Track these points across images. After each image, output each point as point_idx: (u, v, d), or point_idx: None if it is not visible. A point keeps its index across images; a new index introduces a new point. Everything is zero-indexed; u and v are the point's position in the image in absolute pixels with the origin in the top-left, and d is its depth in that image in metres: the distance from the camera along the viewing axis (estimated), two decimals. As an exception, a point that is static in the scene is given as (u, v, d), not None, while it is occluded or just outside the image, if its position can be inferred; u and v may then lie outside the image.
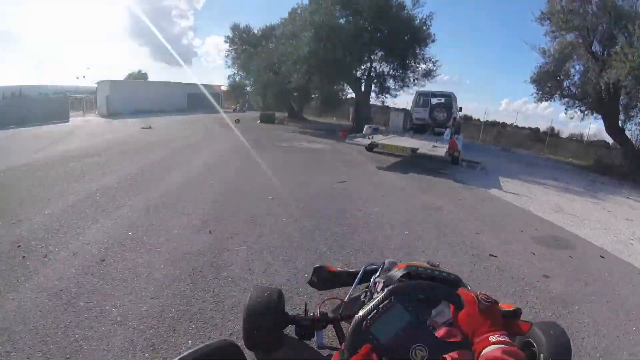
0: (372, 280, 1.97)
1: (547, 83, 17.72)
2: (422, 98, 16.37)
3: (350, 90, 22.92)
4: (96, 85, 28.10)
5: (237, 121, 20.42)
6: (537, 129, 31.03)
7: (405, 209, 5.95)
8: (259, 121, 22.10)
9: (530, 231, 5.53)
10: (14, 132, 13.62)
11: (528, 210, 6.80)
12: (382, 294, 1.13)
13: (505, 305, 1.95)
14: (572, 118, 17.91)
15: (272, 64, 21.38)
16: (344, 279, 2.71)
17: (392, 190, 7.19)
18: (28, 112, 17.17)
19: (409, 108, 16.99)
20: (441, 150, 9.65)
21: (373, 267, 2.42)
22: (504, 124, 33.06)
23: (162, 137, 12.95)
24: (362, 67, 21.07)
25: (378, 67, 21.59)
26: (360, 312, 1.12)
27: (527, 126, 32.59)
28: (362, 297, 2.15)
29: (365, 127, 13.02)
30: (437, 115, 15.46)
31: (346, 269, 2.85)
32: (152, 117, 20.96)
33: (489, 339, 0.99)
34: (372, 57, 20.64)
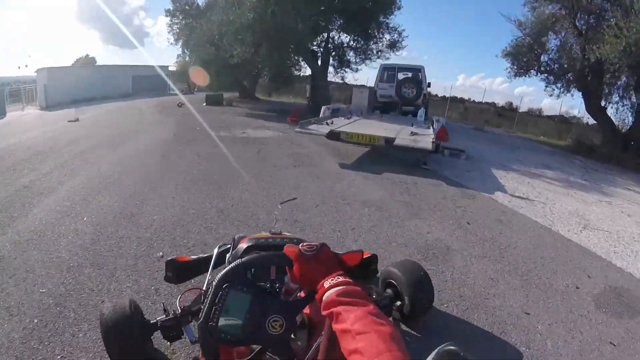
0: (227, 260, 1.91)
1: (524, 57, 16.36)
2: (388, 72, 14.36)
3: (302, 67, 20.23)
4: (36, 75, 25.36)
5: (180, 105, 17.73)
6: (494, 104, 31.46)
7: (394, 262, 3.55)
8: (204, 104, 19.31)
9: (584, 282, 3.58)
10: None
11: (557, 232, 4.83)
12: (212, 290, 1.06)
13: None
14: (551, 95, 16.76)
15: (212, 37, 18.32)
16: (200, 265, 2.53)
17: (366, 214, 4.77)
18: None
19: (370, 85, 14.87)
20: (425, 140, 7.34)
21: (227, 246, 2.24)
22: (462, 99, 33.42)
23: (81, 133, 10.20)
24: (318, 38, 18.41)
25: (337, 37, 19.04)
26: (201, 317, 1.04)
27: (484, 101, 32.43)
28: None
29: (323, 108, 10.52)
30: (405, 92, 13.53)
31: (200, 255, 2.68)
32: (90, 106, 18.58)
33: (324, 284, 0.96)
34: (329, 26, 17.97)
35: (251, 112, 16.75)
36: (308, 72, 20.37)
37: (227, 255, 1.95)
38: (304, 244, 1.09)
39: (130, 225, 3.96)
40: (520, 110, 27.77)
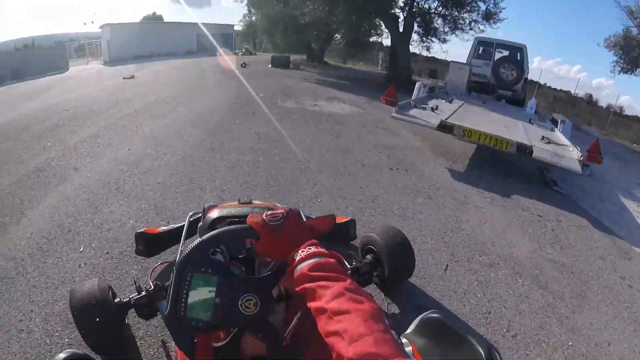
0: (198, 230, 1.69)
1: (633, 52, 13.69)
2: (483, 48, 11.70)
3: (384, 32, 17.77)
4: (100, 31, 27.09)
5: (243, 65, 16.14)
6: (569, 92, 28.39)
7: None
8: (270, 65, 17.42)
9: None
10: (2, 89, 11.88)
11: None
12: (174, 276, 0.91)
13: (339, 218, 2.71)
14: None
15: (282, -9, 16.36)
16: (172, 237, 2.42)
17: (521, 291, 2.88)
18: (24, 65, 17.23)
19: (453, 60, 12.40)
20: (570, 157, 5.12)
21: (198, 215, 2.10)
22: (538, 83, 30.28)
23: (132, 92, 9.01)
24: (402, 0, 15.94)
25: (422, 2, 16.46)
26: (167, 307, 0.90)
27: (559, 88, 30.46)
28: None
29: (418, 85, 8.35)
30: (504, 73, 10.95)
31: (171, 225, 2.57)
32: (151, 63, 18.48)
33: (295, 257, 0.88)
34: (415, -14, 15.52)
35: (321, 78, 14.64)
36: (383, 38, 18.11)
37: (199, 225, 1.66)
38: (269, 212, 0.99)
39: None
40: (599, 104, 25.49)
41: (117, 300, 1.74)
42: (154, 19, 41.33)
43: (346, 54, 19.93)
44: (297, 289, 0.83)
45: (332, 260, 0.85)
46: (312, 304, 0.78)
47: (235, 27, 34.46)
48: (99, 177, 3.82)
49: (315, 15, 14.25)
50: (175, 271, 0.91)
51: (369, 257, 2.28)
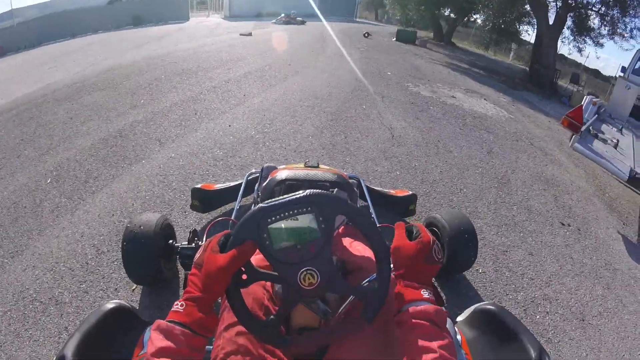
0: (255, 190, 1.84)
1: None
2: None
3: (532, 20, 15.02)
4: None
5: (367, 35, 14.90)
6: None
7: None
8: (394, 39, 16.00)
9: None
10: (119, 33, 13.16)
11: None
12: (300, 196, 0.78)
13: (400, 191, 2.65)
14: None
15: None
16: (228, 194, 2.37)
17: None
18: (146, 13, 18.97)
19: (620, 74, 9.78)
20: None
21: (256, 174, 2.09)
22: None
23: (244, 52, 8.29)
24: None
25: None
26: (268, 202, 0.77)
27: None
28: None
29: (587, 100, 6.51)
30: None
31: (227, 183, 2.46)
32: (269, 22, 18.38)
33: (421, 293, 0.81)
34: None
35: (451, 62, 12.74)
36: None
37: (256, 186, 1.80)
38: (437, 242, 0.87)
39: None
40: None
41: (170, 241, 1.79)
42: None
43: (488, 40, 17.07)
44: (398, 317, 0.79)
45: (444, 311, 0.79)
46: (422, 343, 0.73)
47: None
48: (183, 162, 3.02)
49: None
50: (303, 195, 0.78)
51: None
